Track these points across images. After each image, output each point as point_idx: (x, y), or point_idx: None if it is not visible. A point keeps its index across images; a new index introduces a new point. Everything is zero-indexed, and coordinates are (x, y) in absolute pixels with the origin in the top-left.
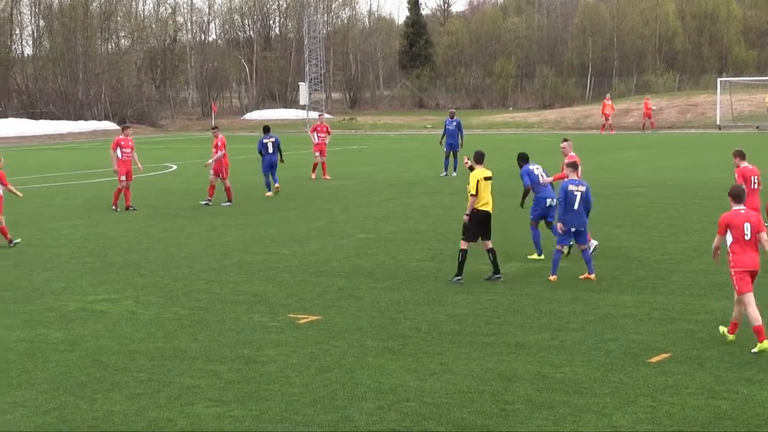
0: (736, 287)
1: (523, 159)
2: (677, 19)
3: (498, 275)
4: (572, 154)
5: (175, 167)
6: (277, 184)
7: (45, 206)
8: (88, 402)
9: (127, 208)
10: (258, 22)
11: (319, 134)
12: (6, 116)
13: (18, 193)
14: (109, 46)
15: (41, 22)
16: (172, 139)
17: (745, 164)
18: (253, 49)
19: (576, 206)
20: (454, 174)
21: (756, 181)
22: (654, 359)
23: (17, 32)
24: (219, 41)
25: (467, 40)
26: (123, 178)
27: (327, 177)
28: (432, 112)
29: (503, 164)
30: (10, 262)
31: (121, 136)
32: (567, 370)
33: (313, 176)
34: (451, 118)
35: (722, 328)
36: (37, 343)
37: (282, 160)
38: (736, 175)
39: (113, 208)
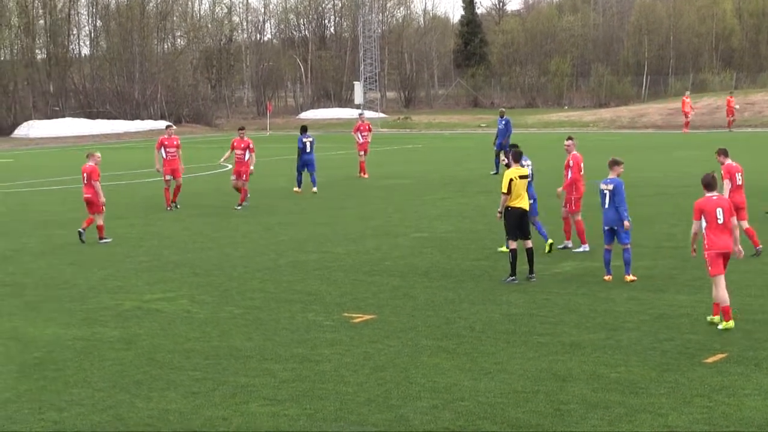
0: (710, 268)
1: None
2: (734, 17)
3: (532, 275)
4: (575, 152)
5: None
6: (314, 188)
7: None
8: (144, 400)
9: (171, 203)
10: (313, 21)
11: (362, 133)
12: (64, 116)
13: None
14: (165, 46)
15: (98, 23)
16: (227, 139)
17: (729, 161)
18: (308, 48)
19: (606, 204)
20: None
21: (740, 177)
22: (710, 359)
23: (75, 32)
24: (274, 41)
25: (522, 38)
26: (168, 177)
27: (363, 175)
28: (487, 111)
29: (554, 163)
30: (67, 260)
31: (165, 136)
32: (622, 370)
33: (366, 175)
34: (501, 117)
35: (710, 318)
36: (93, 342)
37: None
38: (722, 172)
39: (167, 208)
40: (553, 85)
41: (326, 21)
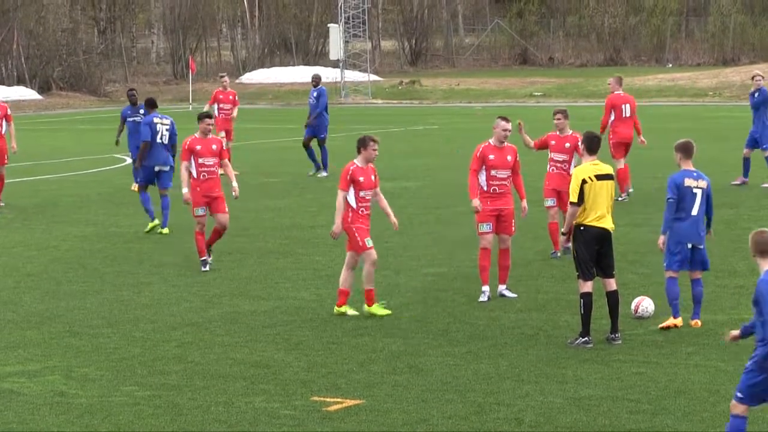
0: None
1: (150, 105)
2: None
3: (615, 336)
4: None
5: (129, 160)
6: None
7: None
8: None
9: None
10: None
11: (220, 105)
12: None
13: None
14: None
15: None
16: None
17: (619, 92)
18: None
19: (695, 211)
20: (324, 174)
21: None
22: None
23: None
24: None
25: None
26: None
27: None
28: (542, 70)
29: (661, 153)
30: None
31: None
32: None
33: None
34: (316, 86)
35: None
36: None
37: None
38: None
39: None
40: (648, 30)
41: None
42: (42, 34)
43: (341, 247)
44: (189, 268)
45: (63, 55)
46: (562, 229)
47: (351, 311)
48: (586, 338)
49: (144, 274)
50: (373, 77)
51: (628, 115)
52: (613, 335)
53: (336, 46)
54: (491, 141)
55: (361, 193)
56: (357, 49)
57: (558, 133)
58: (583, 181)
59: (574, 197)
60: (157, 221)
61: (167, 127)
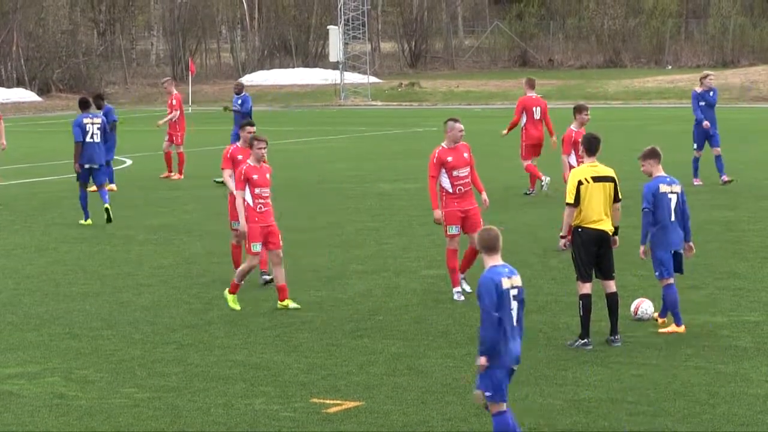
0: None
1: (84, 105)
2: None
3: (614, 338)
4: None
5: (129, 162)
6: (112, 185)
7: None
8: None
9: None
10: None
11: (170, 109)
12: None
13: None
14: None
15: None
16: (125, 117)
17: (531, 94)
18: None
19: (673, 217)
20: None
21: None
22: None
23: None
24: None
25: None
26: None
27: (168, 175)
28: (542, 72)
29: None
30: None
31: None
32: None
33: (170, 174)
34: (238, 93)
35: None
36: None
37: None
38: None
39: None
40: (648, 32)
41: None
42: (42, 35)
43: (340, 249)
44: (189, 269)
45: (62, 57)
46: (561, 233)
47: (293, 305)
48: (585, 340)
49: (143, 276)
50: (373, 79)
51: (538, 117)
52: (612, 337)
53: (335, 48)
54: (444, 144)
55: (257, 191)
56: (356, 51)
57: (578, 128)
58: (579, 182)
59: (570, 198)
60: (90, 221)
61: (98, 125)
